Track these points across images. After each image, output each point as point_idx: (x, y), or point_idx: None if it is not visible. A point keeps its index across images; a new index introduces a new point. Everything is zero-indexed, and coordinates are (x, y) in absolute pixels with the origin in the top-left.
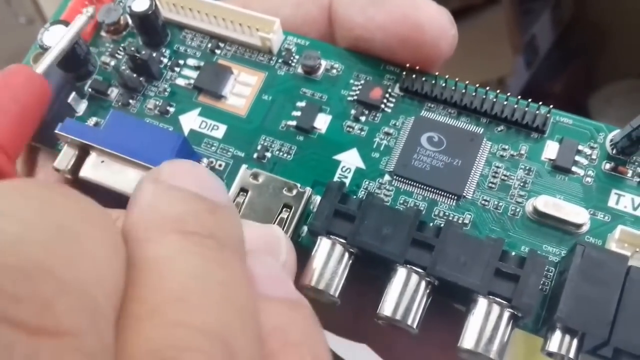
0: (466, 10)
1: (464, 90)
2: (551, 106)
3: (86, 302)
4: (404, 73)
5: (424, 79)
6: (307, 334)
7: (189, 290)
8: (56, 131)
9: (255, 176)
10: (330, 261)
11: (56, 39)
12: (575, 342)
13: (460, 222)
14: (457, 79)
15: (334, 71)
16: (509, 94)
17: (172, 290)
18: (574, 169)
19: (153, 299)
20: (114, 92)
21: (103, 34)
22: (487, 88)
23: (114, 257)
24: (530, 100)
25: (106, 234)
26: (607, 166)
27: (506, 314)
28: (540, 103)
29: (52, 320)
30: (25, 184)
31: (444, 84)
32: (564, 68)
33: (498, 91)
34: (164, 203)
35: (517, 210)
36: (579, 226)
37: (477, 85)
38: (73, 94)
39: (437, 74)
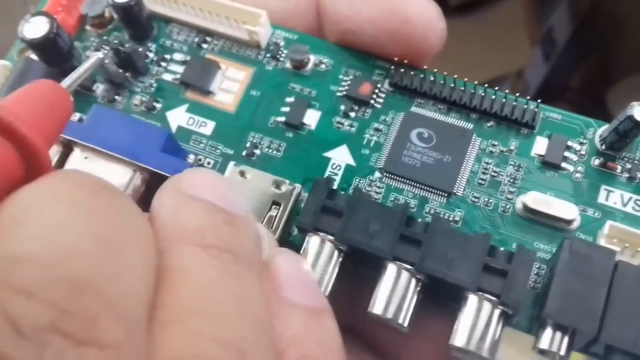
0: (482, 1)
1: (452, 85)
2: (539, 101)
3: (125, 317)
4: (393, 68)
5: (412, 73)
6: (324, 346)
7: (207, 302)
8: None
9: (242, 173)
10: (320, 259)
11: (38, 31)
12: (566, 339)
13: (451, 219)
14: (445, 73)
15: (323, 66)
16: (497, 88)
17: (193, 301)
18: (563, 164)
19: (175, 307)
20: (99, 88)
21: (88, 27)
22: (476, 82)
23: (149, 268)
24: (517, 95)
25: (144, 245)
26: (597, 162)
27: (497, 312)
28: (529, 98)
29: (96, 334)
30: (74, 187)
31: (433, 79)
32: (582, 60)
33: (486, 85)
34: (184, 214)
35: (507, 207)
36: (569, 222)
37: (466, 80)
38: None
39: (425, 67)
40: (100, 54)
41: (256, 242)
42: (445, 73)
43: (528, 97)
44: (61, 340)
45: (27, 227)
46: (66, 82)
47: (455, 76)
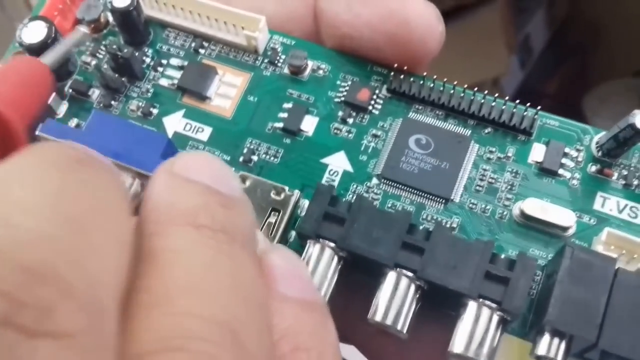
0: (460, 9)
1: (452, 92)
2: (538, 107)
3: (88, 304)
4: (392, 74)
5: (411, 80)
6: (318, 338)
7: (197, 281)
8: (37, 132)
9: (242, 179)
10: (319, 266)
11: (36, 36)
12: (563, 344)
13: (448, 225)
14: (445, 80)
15: (321, 72)
16: (497, 94)
17: (181, 280)
18: (560, 171)
19: (161, 288)
20: (95, 93)
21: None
22: (475, 89)
23: (122, 250)
24: (518, 101)
25: (117, 225)
26: (593, 169)
27: (496, 318)
28: (529, 105)
29: (52, 325)
30: (42, 164)
31: (431, 85)
32: (558, 67)
33: (486, 92)
34: (177, 196)
35: (505, 213)
36: (565, 229)
37: (466, 86)
38: (53, 94)
39: (424, 74)
40: (84, 29)
41: (251, 225)
42: (445, 80)
43: (528, 104)
44: (13, 334)
45: None
46: (46, 57)
47: (455, 83)
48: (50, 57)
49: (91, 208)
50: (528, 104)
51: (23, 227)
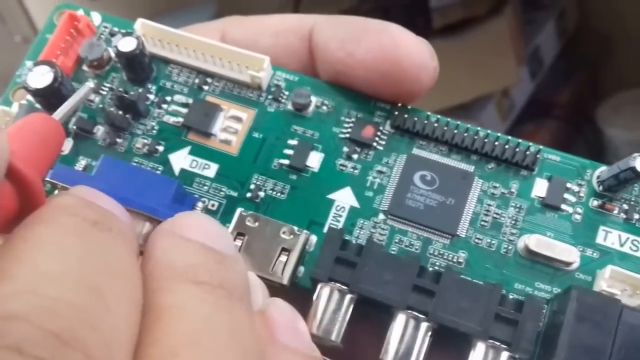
0: (469, 21)
1: (455, 129)
2: (540, 147)
3: None
4: (396, 113)
5: (415, 118)
6: None
7: (201, 335)
8: (47, 178)
9: (252, 219)
10: (330, 308)
11: (42, 80)
12: None
13: (454, 261)
14: (448, 120)
15: (325, 108)
16: (499, 134)
17: (186, 334)
18: (563, 206)
19: (168, 342)
20: (100, 131)
21: (85, 68)
22: (478, 129)
23: (134, 310)
24: (520, 141)
25: (128, 286)
26: (595, 203)
27: (505, 355)
28: (530, 144)
29: None
30: (62, 231)
31: (435, 122)
32: (569, 78)
33: (488, 131)
34: (176, 254)
35: (510, 248)
36: (569, 264)
37: (469, 126)
38: None
39: (428, 113)
40: (90, 84)
41: (245, 279)
42: (448, 119)
43: (530, 144)
44: None
45: (16, 282)
46: (58, 114)
47: (459, 123)
48: (61, 113)
49: (107, 273)
50: (530, 144)
51: (50, 296)
